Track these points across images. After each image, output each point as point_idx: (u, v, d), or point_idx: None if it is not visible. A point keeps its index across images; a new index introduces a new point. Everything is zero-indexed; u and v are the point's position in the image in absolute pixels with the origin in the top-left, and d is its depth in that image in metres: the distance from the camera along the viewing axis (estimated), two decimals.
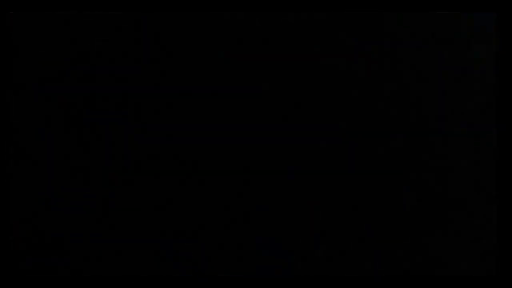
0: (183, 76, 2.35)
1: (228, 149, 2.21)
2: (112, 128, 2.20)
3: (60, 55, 2.06)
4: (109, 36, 2.18)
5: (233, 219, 2.25)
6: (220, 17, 2.32)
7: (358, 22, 2.30)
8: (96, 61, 2.15)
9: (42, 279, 1.95)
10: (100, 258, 2.09)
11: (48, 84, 2.04)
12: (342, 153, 2.16)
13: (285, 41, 2.32)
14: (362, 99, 2.54)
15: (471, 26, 1.78)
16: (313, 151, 2.23)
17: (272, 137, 2.25)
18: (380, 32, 2.24)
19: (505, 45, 1.52)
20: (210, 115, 2.32)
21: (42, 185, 2.00)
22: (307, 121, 2.22)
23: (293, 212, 2.27)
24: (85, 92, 2.12)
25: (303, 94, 2.34)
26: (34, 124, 2.00)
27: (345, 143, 2.16)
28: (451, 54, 1.97)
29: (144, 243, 2.24)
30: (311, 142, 2.23)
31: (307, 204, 2.24)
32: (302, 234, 2.22)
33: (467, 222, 1.81)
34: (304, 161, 2.22)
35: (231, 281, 2.32)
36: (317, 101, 2.28)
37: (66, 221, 2.04)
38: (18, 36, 1.94)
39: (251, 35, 2.35)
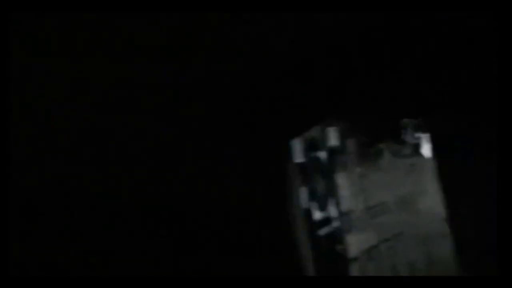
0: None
1: None
2: (112, 128, 2.33)
3: (60, 55, 2.18)
4: (109, 37, 2.31)
5: None
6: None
7: (359, 21, 2.44)
8: (96, 61, 2.27)
9: (41, 279, 2.04)
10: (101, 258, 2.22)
11: (47, 84, 2.16)
12: None
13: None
14: (361, 98, 2.66)
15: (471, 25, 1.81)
16: None
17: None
18: (381, 31, 2.32)
19: (505, 45, 1.56)
20: None
21: (42, 185, 2.12)
22: None
23: None
24: (84, 92, 2.24)
25: None
26: (34, 123, 2.11)
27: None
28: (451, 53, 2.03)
29: (144, 243, 2.36)
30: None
31: None
32: None
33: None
34: None
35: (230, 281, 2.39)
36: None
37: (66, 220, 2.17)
38: (18, 36, 2.02)
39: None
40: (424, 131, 3.30)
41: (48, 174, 2.16)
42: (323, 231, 3.58)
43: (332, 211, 4.03)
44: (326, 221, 3.74)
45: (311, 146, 3.65)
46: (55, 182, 2.17)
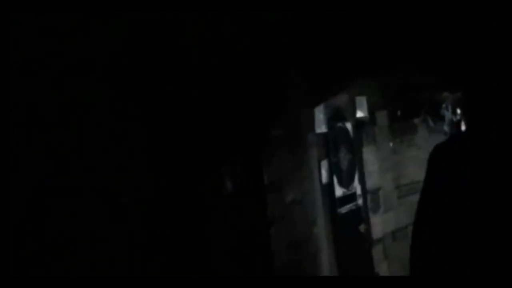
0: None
1: None
2: (110, 128, 2.16)
3: (60, 55, 2.00)
4: (109, 37, 2.13)
5: None
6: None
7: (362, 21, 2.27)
8: (96, 60, 2.10)
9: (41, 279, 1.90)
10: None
11: (47, 83, 1.97)
12: None
13: None
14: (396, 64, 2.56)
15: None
16: None
17: None
18: (385, 32, 2.27)
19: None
20: None
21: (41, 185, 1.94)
22: None
23: None
24: (84, 92, 2.07)
25: None
26: (33, 124, 1.92)
27: None
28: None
29: (143, 244, 2.19)
30: None
31: None
32: None
33: None
34: None
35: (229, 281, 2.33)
36: None
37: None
38: (18, 36, 1.87)
39: None
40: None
41: (48, 175, 1.94)
42: (345, 209, 3.30)
43: (357, 188, 3.70)
44: (349, 198, 3.44)
45: (337, 116, 3.34)
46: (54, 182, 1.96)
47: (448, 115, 4.51)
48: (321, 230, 3.03)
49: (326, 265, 3.09)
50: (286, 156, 2.59)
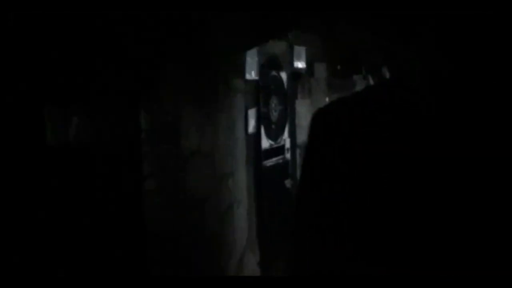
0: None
1: None
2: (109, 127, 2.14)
3: (59, 55, 2.00)
4: (109, 36, 2.12)
5: None
6: None
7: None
8: (94, 60, 2.09)
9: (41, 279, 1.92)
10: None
11: (46, 82, 1.98)
12: None
13: None
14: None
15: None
16: None
17: None
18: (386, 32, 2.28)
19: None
20: None
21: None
22: None
23: None
24: (84, 91, 2.06)
25: None
26: (33, 123, 1.94)
27: None
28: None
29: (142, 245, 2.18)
30: None
31: None
32: None
33: None
34: None
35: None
36: None
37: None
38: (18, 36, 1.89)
39: None
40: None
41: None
42: (270, 162, 3.15)
43: (286, 141, 3.55)
44: (277, 151, 3.28)
45: (271, 63, 3.16)
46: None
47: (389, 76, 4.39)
48: (240, 184, 2.89)
49: (243, 220, 2.96)
50: (187, 102, 2.39)
